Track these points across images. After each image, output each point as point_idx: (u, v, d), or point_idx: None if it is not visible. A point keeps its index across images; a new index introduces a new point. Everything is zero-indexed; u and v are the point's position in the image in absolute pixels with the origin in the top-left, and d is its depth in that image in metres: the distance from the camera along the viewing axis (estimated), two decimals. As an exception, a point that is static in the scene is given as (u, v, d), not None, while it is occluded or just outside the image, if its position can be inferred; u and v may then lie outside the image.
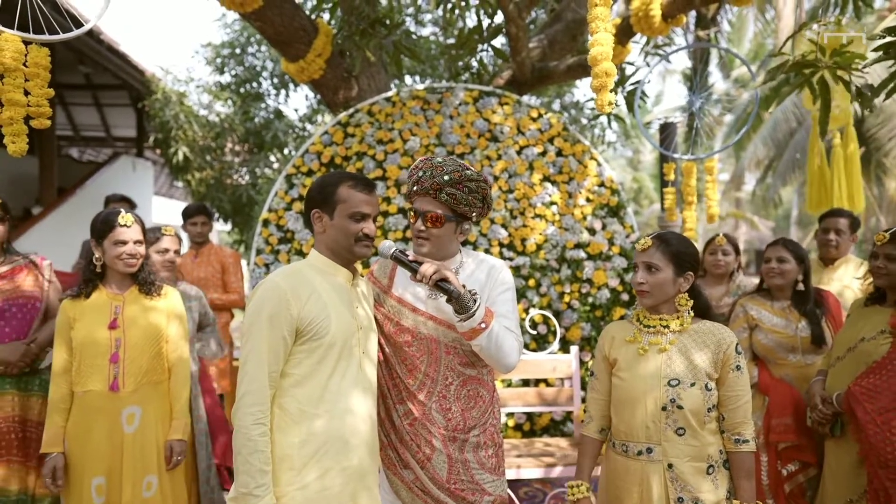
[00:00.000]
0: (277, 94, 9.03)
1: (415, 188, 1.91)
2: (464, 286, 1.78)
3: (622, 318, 4.08)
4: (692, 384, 1.87)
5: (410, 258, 1.82)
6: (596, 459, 2.07)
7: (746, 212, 22.95)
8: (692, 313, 1.97)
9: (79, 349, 2.33)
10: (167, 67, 8.34)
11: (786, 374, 2.75)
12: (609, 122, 4.85)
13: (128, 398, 2.35)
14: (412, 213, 1.92)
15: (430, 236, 1.89)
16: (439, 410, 1.89)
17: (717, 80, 18.27)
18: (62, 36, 2.17)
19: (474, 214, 1.93)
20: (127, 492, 2.30)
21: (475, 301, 1.77)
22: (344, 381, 1.76)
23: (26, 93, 2.15)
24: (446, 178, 1.85)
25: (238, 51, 8.80)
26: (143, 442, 2.37)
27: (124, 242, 2.39)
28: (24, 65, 2.14)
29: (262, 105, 8.74)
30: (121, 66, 8.13)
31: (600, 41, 1.83)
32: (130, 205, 4.47)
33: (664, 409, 1.87)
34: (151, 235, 3.04)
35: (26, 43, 2.14)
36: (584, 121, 8.22)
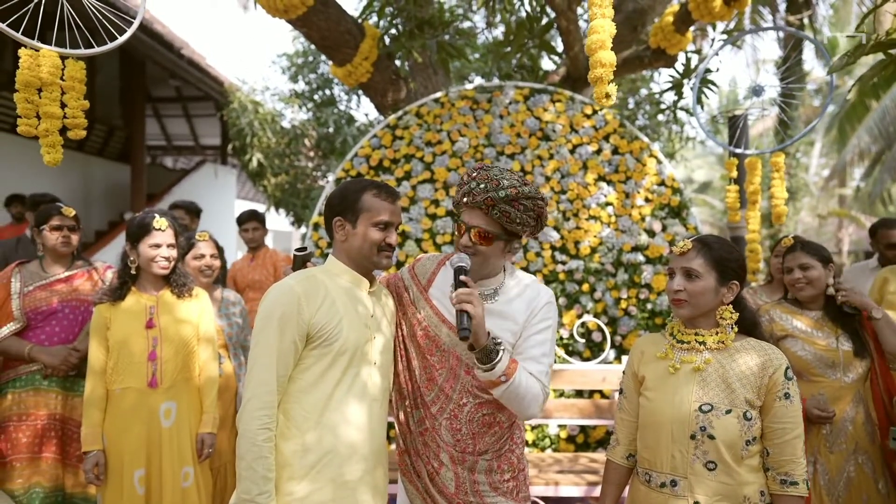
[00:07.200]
0: (349, 100, 9.18)
1: (465, 199, 1.74)
2: (489, 333, 1.65)
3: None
4: (727, 411, 1.64)
5: (462, 278, 1.67)
6: (622, 489, 1.88)
7: (852, 209, 20.99)
8: (735, 329, 1.75)
9: (116, 349, 2.42)
10: (243, 77, 8.72)
11: (819, 392, 2.40)
12: (674, 116, 4.52)
13: (164, 394, 2.45)
14: (460, 225, 1.80)
15: (475, 252, 1.76)
16: (449, 429, 1.80)
17: (816, 70, 16.93)
18: (95, 50, 2.26)
19: (526, 233, 1.80)
20: (167, 482, 2.40)
21: (498, 353, 1.63)
22: (352, 391, 1.71)
23: (64, 106, 2.24)
24: (502, 193, 1.68)
25: (311, 59, 9.05)
26: (180, 435, 2.47)
27: (158, 246, 2.48)
28: (62, 79, 2.23)
29: (334, 110, 8.91)
30: (200, 79, 8.58)
31: (597, 28, 1.66)
32: (190, 212, 4.57)
33: (693, 437, 1.66)
34: (187, 242, 3.12)
35: (63, 58, 2.23)
36: (661, 117, 7.84)
